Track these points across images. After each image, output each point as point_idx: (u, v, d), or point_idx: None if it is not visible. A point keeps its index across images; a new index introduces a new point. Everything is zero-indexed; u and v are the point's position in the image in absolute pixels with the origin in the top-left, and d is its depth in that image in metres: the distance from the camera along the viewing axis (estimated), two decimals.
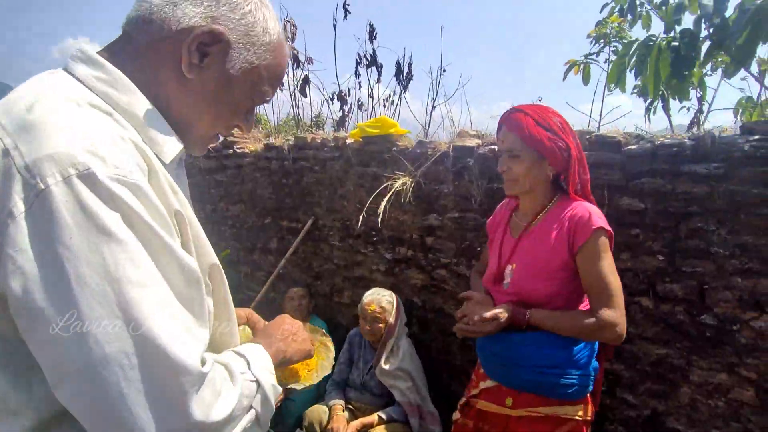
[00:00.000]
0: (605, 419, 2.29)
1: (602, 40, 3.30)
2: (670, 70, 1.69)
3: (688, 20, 2.06)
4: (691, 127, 3.05)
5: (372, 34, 3.92)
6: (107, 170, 0.65)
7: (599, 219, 1.54)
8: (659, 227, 2.09)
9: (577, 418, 1.59)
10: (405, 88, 4.31)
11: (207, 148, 1.01)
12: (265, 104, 1.02)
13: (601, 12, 3.30)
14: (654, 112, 3.01)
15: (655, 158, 2.07)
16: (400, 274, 3.06)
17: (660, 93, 2.39)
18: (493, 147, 2.56)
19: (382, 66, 3.82)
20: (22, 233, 0.63)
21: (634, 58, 1.82)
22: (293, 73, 4.34)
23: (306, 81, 4.50)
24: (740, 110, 2.98)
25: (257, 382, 0.81)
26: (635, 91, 2.13)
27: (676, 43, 1.68)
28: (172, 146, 0.84)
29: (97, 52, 0.83)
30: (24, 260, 0.62)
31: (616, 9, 3.11)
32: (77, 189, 0.63)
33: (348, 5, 3.62)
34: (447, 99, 3.40)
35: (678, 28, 1.82)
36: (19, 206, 0.63)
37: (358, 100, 4.21)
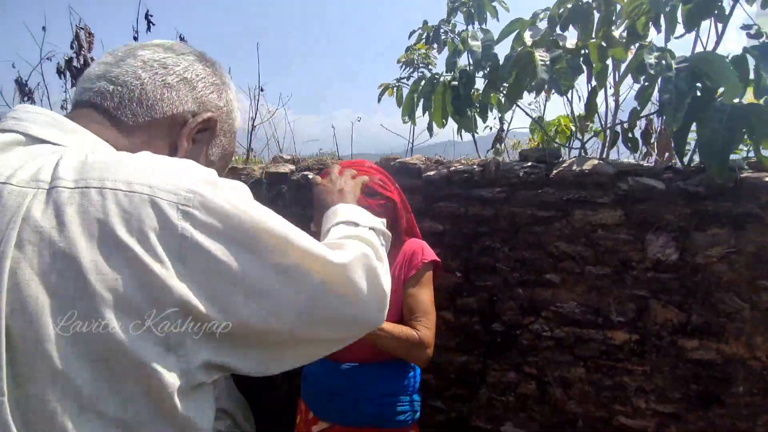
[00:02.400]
0: (421, 426, 2.44)
1: (411, 66, 3.54)
2: (452, 108, 1.89)
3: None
4: (494, 144, 3.42)
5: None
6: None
7: (428, 253, 1.67)
8: (456, 246, 2.30)
9: None
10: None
11: None
12: None
13: (409, 38, 3.51)
14: (460, 133, 3.33)
15: (450, 183, 2.28)
16: None
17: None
18: (306, 173, 2.59)
19: None
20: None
21: (421, 95, 1.99)
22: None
23: None
24: (534, 129, 3.42)
25: (372, 229, 0.97)
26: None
27: (456, 83, 1.88)
28: None
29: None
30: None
31: (423, 36, 3.35)
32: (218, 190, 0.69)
33: (151, 16, 3.36)
34: (268, 118, 3.34)
35: (461, 68, 2.03)
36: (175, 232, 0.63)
37: None
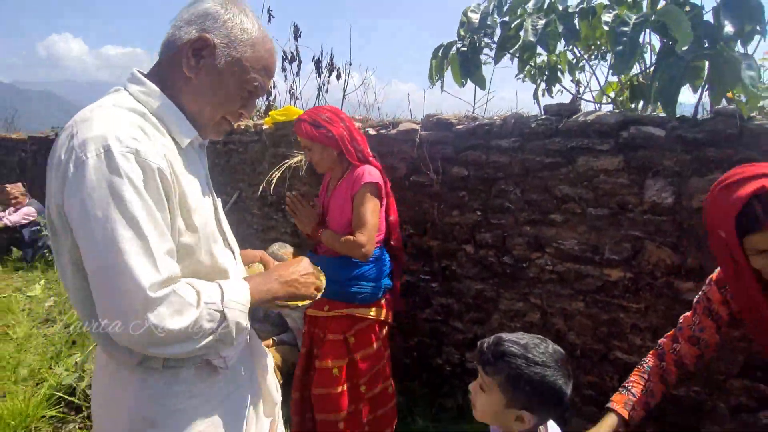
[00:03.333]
0: (442, 343, 2.86)
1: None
2: (462, 69, 2.26)
3: None
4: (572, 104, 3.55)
5: (297, 33, 4.46)
6: (121, 148, 0.95)
7: (369, 176, 2.17)
8: (477, 189, 2.65)
9: (369, 317, 2.21)
10: (331, 77, 4.86)
11: (222, 133, 1.26)
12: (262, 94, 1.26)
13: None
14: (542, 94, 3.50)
15: (475, 135, 2.63)
16: (302, 237, 3.61)
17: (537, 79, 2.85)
18: (369, 129, 3.11)
19: (300, 61, 4.37)
20: (70, 187, 0.95)
21: (444, 59, 2.37)
22: None
23: None
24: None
25: (222, 313, 1.03)
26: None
27: (464, 48, 2.24)
28: (187, 133, 1.13)
29: (143, 74, 1.14)
30: (71, 203, 0.96)
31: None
32: (98, 160, 0.94)
33: (271, 11, 4.17)
34: (355, 89, 3.99)
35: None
36: (71, 170, 0.95)
37: (289, 89, 4.73)
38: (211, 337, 1.02)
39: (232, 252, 1.28)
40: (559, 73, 2.59)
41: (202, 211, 1.13)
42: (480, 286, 2.69)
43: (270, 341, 3.16)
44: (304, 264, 1.30)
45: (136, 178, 0.96)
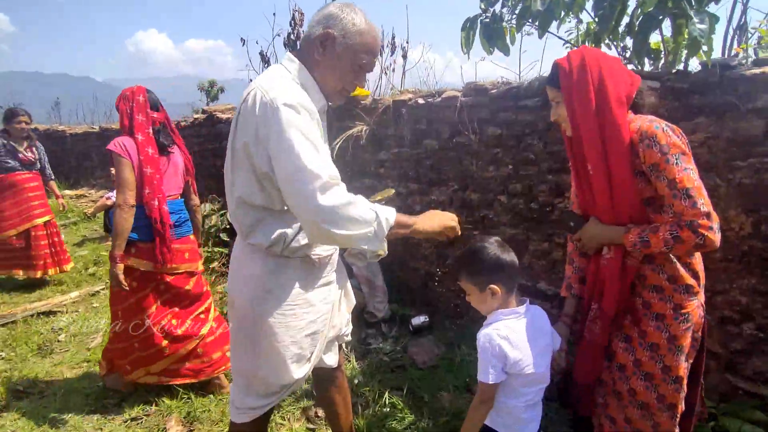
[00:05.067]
0: None
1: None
2: (484, 38, 2.65)
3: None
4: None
5: None
6: (294, 101, 1.46)
7: (111, 145, 2.76)
8: (509, 145, 3.03)
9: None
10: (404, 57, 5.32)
11: (343, 99, 1.74)
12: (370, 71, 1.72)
13: None
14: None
15: (506, 98, 3.00)
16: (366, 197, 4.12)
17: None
18: (418, 99, 3.55)
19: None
20: (268, 125, 1.45)
21: (470, 30, 2.76)
22: None
23: None
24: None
25: (377, 219, 1.51)
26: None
27: (487, 20, 2.62)
28: (319, 99, 1.62)
29: (293, 55, 1.64)
30: (268, 134, 1.46)
31: None
32: (285, 108, 1.44)
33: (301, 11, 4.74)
34: (414, 64, 4.44)
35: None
36: (268, 114, 1.45)
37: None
38: (367, 229, 1.48)
39: None
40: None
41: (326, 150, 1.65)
42: (512, 231, 3.08)
43: None
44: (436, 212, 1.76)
45: (307, 118, 1.46)
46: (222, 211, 5.46)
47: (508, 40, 2.75)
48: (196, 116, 6.29)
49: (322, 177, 1.41)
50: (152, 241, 2.74)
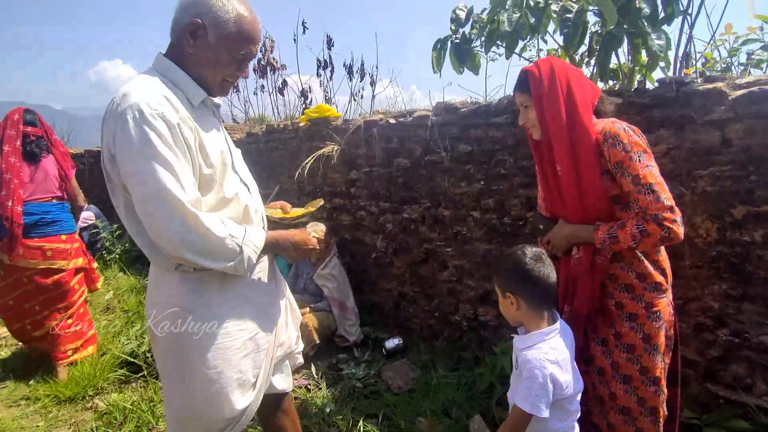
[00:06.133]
0: (459, 300, 3.28)
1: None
2: (455, 58, 2.72)
3: None
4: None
5: (330, 43, 5.03)
6: (150, 111, 1.30)
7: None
8: (480, 162, 3.08)
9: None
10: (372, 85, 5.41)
11: (226, 92, 1.60)
12: (251, 60, 1.56)
13: None
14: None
15: (476, 115, 3.07)
16: (336, 218, 4.11)
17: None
18: (390, 119, 3.59)
19: (333, 68, 4.93)
20: (120, 140, 1.30)
21: (441, 51, 2.84)
22: (272, 78, 5.46)
23: (284, 84, 5.62)
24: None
25: (240, 247, 1.41)
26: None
27: (458, 41, 2.70)
28: (196, 94, 1.47)
29: (164, 55, 1.48)
30: (120, 151, 1.31)
31: None
32: (136, 120, 1.29)
33: (305, 23, 4.76)
34: (383, 89, 4.52)
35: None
36: (118, 128, 1.30)
37: (325, 94, 5.29)
38: (231, 263, 1.40)
39: (247, 187, 1.65)
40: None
41: (217, 152, 1.48)
42: (486, 246, 3.11)
43: (307, 309, 3.64)
44: (303, 233, 1.71)
45: (163, 131, 1.31)
46: None
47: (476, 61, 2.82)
48: None
49: (176, 204, 1.30)
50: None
